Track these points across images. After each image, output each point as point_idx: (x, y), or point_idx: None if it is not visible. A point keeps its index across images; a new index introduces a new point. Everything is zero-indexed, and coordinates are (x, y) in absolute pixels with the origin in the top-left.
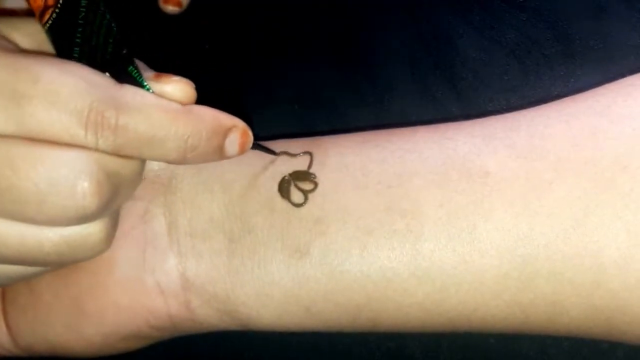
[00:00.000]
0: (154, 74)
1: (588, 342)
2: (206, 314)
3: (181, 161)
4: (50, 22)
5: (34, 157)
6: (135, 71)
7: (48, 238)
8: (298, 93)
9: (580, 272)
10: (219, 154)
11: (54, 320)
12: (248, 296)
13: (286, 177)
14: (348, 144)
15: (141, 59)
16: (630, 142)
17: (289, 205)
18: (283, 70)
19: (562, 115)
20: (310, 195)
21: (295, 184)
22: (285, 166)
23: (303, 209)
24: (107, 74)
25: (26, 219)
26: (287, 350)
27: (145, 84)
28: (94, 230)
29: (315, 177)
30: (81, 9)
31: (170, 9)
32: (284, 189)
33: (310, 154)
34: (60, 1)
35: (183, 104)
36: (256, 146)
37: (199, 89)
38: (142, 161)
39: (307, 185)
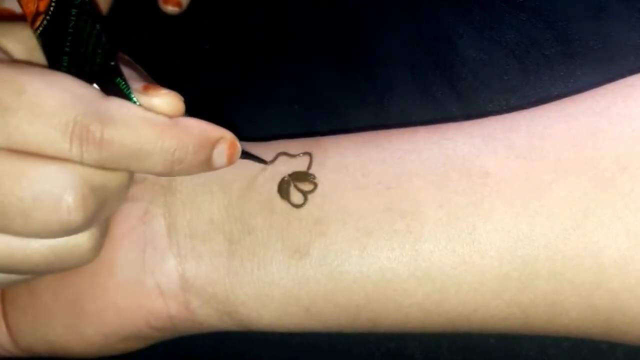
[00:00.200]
0: (142, 86)
1: (588, 343)
2: (206, 315)
3: (168, 174)
4: (41, 28)
5: (18, 171)
6: (123, 83)
7: (35, 249)
8: (298, 93)
9: (580, 273)
10: (207, 165)
11: (53, 320)
12: (248, 297)
13: (286, 178)
14: (348, 144)
15: (141, 59)
16: (630, 143)
17: (289, 206)
18: (283, 70)
19: (561, 115)
20: (309, 196)
21: (295, 185)
22: (284, 167)
23: (303, 210)
24: (95, 85)
25: (12, 232)
26: (287, 351)
27: (133, 96)
28: (81, 240)
29: (314, 178)
30: (71, 18)
31: (170, 9)
32: (283, 189)
33: (309, 154)
34: (51, 9)
35: (170, 116)
36: (245, 155)
37: (198, 89)
38: (129, 173)
39: (306, 186)
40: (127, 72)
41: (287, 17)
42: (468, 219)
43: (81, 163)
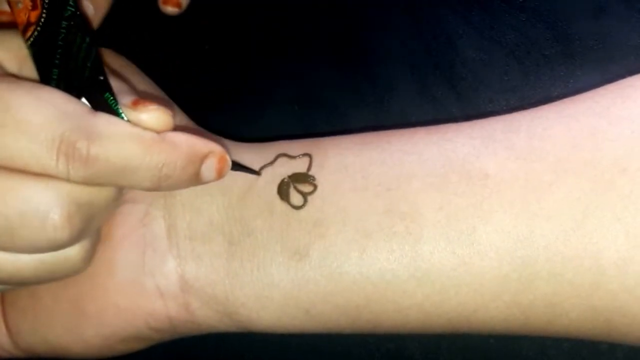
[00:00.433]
0: (131, 101)
1: (587, 343)
2: (206, 316)
3: (156, 189)
4: (32, 39)
5: (3, 189)
6: (111, 98)
7: (25, 263)
8: (298, 93)
9: (579, 274)
10: (196, 180)
11: (53, 322)
12: (248, 298)
13: (285, 180)
14: (347, 145)
15: (141, 59)
16: (629, 144)
17: (288, 207)
18: (283, 70)
19: (561, 116)
20: (309, 198)
21: (295, 186)
22: (284, 168)
23: (302, 212)
24: (84, 99)
25: (0, 248)
26: (286, 352)
27: (121, 111)
28: (71, 253)
29: (314, 179)
30: (61, 30)
31: (170, 9)
32: (283, 191)
33: (309, 155)
34: (42, 20)
35: (159, 131)
36: (236, 167)
37: (198, 89)
38: (117, 188)
39: (306, 188)
40: (117, 85)
41: (287, 17)
42: (468, 221)
43: (68, 180)
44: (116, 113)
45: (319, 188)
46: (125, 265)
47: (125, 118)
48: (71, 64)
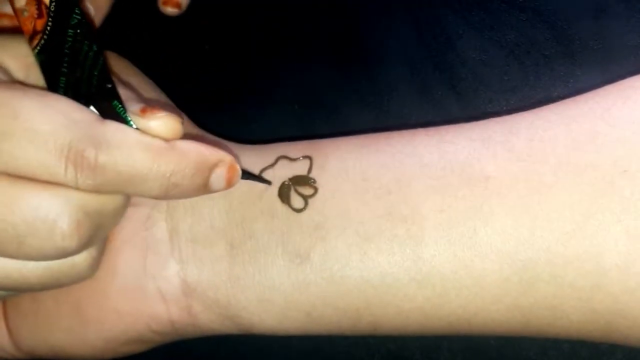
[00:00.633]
0: (140, 108)
1: (587, 344)
2: (208, 319)
3: (164, 197)
4: (38, 47)
5: (11, 197)
6: (120, 106)
7: (31, 270)
8: (298, 93)
9: (580, 276)
10: (205, 189)
11: (55, 325)
12: (249, 301)
13: (286, 182)
14: (348, 147)
15: (141, 59)
16: (630, 146)
17: (289, 210)
18: (283, 70)
19: (562, 118)
20: (310, 200)
21: (296, 189)
22: (284, 170)
23: (303, 215)
24: (92, 107)
25: (7, 255)
26: (287, 351)
27: (129, 119)
28: (79, 260)
29: (315, 182)
30: (68, 39)
31: (170, 10)
32: (284, 194)
33: (309, 158)
34: (48, 28)
35: (168, 139)
36: (248, 176)
37: (198, 89)
38: (125, 196)
39: (307, 190)
40: (124, 92)
41: (287, 17)
42: (468, 223)
43: (76, 188)
44: (125, 121)
45: (319, 191)
46: (127, 269)
47: (134, 126)
48: (78, 72)
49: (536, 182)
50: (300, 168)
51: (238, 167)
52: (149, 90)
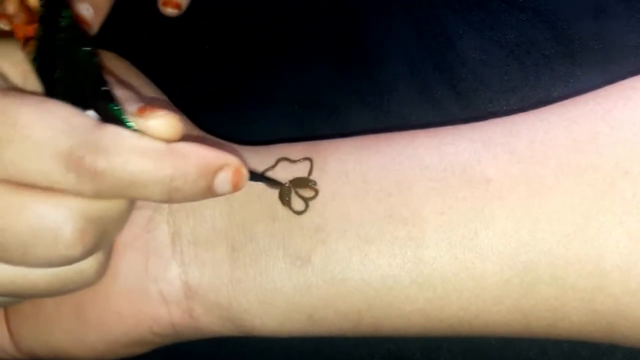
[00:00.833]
0: (137, 109)
1: (588, 344)
2: (209, 322)
3: (167, 202)
4: (32, 53)
5: (15, 206)
6: (117, 108)
7: (37, 277)
8: (298, 93)
9: (581, 278)
10: (209, 193)
11: (55, 327)
12: (251, 304)
13: (287, 185)
14: (348, 149)
15: (141, 59)
16: (631, 147)
17: (290, 212)
18: (283, 70)
19: (562, 119)
20: (310, 203)
21: (296, 192)
22: (285, 172)
23: (304, 217)
24: (89, 111)
25: (12, 263)
26: (288, 352)
27: (128, 121)
28: (85, 266)
29: (315, 184)
30: (59, 43)
31: (170, 11)
32: (284, 196)
33: (310, 160)
34: (39, 34)
35: (169, 140)
36: (257, 178)
37: (198, 89)
38: (129, 200)
39: (307, 193)
40: (121, 93)
41: (287, 17)
42: (469, 225)
43: (78, 195)
44: (122, 123)
45: (320, 193)
46: (128, 272)
47: (133, 127)
48: (73, 77)
49: (537, 184)
50: (300, 170)
51: (245, 171)
52: (149, 91)
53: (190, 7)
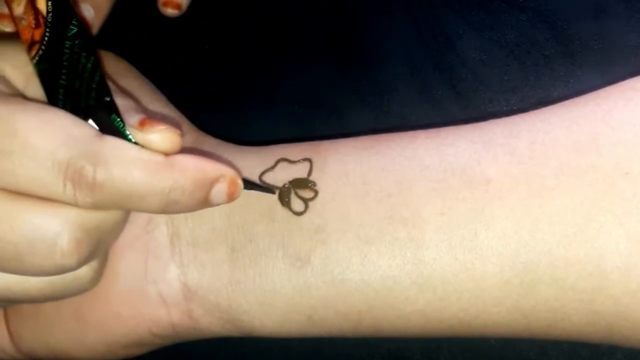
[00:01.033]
0: (138, 121)
1: (588, 344)
2: (209, 323)
3: (164, 213)
4: (37, 58)
5: (11, 215)
6: (118, 120)
7: (33, 284)
8: (298, 93)
9: (582, 278)
10: (205, 204)
11: (55, 328)
12: (250, 305)
13: (286, 185)
14: (347, 150)
15: (141, 59)
16: (631, 148)
17: (290, 213)
18: (283, 70)
19: (563, 120)
20: (310, 204)
21: (296, 192)
22: (284, 173)
23: (303, 218)
24: (90, 120)
25: (8, 271)
26: (287, 353)
27: (128, 133)
28: (80, 274)
29: (315, 185)
30: (65, 50)
31: (170, 11)
32: (284, 197)
33: (309, 160)
34: (46, 39)
35: (167, 154)
36: (251, 186)
37: (198, 89)
38: (124, 211)
39: (307, 193)
40: (122, 103)
41: (287, 17)
42: (469, 226)
43: (75, 205)
44: (123, 134)
45: (319, 194)
46: (127, 273)
47: (132, 139)
48: (77, 84)
49: (537, 185)
50: (300, 171)
51: (240, 182)
52: (148, 92)
53: (190, 7)
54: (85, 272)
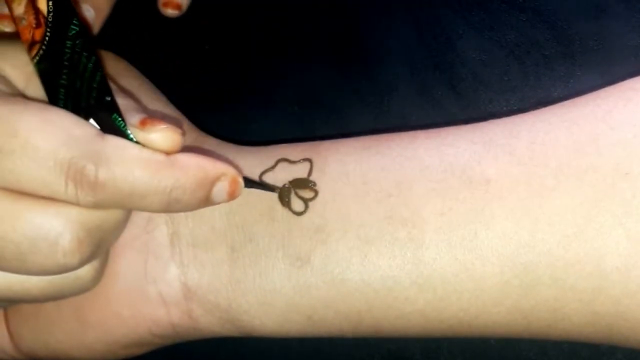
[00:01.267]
0: (139, 121)
1: (587, 344)
2: (209, 323)
3: (165, 212)
4: (37, 58)
5: (14, 215)
6: (119, 119)
7: (34, 284)
8: (298, 93)
9: (581, 279)
10: (206, 202)
11: (55, 328)
12: (250, 305)
13: (286, 185)
14: (347, 150)
15: (141, 59)
16: (631, 149)
17: (290, 213)
18: (283, 70)
19: (563, 120)
20: (310, 204)
21: (296, 192)
22: (284, 173)
23: (303, 218)
24: (91, 120)
25: (9, 270)
26: (287, 352)
27: (129, 132)
28: (81, 273)
29: (315, 185)
30: (66, 50)
31: (170, 12)
32: (284, 197)
33: (310, 160)
34: (47, 39)
35: (168, 153)
36: (251, 185)
37: (198, 89)
38: (126, 210)
39: (307, 193)
40: (123, 102)
41: (287, 17)
42: (469, 226)
43: (76, 204)
44: (124, 134)
45: (319, 194)
46: (127, 273)
47: (134, 139)
48: (78, 84)
49: (537, 185)
50: (300, 171)
51: (241, 180)
52: (149, 92)
53: (190, 7)
54: (86, 271)
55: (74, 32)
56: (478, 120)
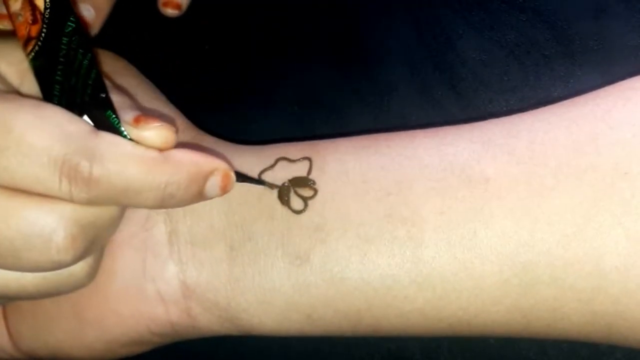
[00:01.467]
0: (133, 118)
1: (587, 344)
2: (207, 321)
3: (160, 207)
4: (33, 54)
5: (7, 212)
6: (114, 116)
7: (29, 280)
8: (298, 93)
9: (581, 278)
10: (199, 197)
11: (54, 327)
12: (249, 304)
13: (286, 184)
14: (347, 149)
15: (141, 59)
16: (630, 148)
17: (289, 212)
18: (283, 70)
19: (562, 120)
20: (310, 202)
21: (295, 191)
22: (284, 172)
23: (303, 216)
24: (85, 117)
25: (4, 267)
26: (287, 352)
27: (123, 129)
28: (75, 270)
29: (314, 184)
30: (62, 47)
31: (170, 12)
32: (283, 195)
33: (309, 159)
34: (42, 35)
35: (162, 149)
36: (242, 179)
37: (198, 89)
38: (120, 207)
39: (306, 192)
40: (118, 99)
41: (287, 17)
42: (468, 225)
43: (70, 201)
44: (118, 131)
45: (319, 192)
46: (126, 271)
47: (128, 136)
48: (73, 80)
49: (536, 185)
50: (299, 169)
51: (232, 175)
52: (147, 91)
53: (190, 7)
54: (80, 268)
55: (70, 28)
56: (478, 120)
